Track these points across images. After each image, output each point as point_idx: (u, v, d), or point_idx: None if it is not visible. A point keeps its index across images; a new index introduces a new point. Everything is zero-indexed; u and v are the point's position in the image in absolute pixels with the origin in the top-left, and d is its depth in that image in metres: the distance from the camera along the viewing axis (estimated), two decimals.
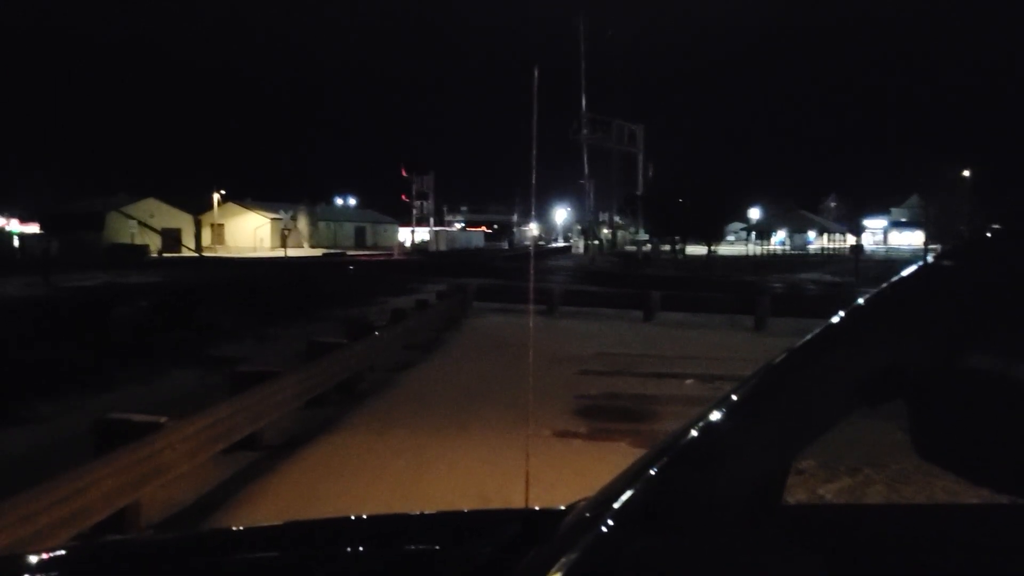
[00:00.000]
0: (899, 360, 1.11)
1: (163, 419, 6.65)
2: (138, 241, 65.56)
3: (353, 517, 1.84)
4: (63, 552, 1.97)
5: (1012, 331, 1.12)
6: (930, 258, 1.21)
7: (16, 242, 64.38)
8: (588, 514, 1.22)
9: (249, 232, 79.63)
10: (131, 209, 70.67)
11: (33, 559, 1.66)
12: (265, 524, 2.15)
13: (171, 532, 6.34)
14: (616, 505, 1.14)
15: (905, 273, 1.18)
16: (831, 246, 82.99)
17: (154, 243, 66.86)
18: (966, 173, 70.18)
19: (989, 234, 1.24)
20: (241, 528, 2.08)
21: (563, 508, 1.38)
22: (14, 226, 73.89)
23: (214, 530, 4.58)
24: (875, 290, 1.19)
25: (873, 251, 76.50)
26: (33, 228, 72.25)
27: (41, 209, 74.26)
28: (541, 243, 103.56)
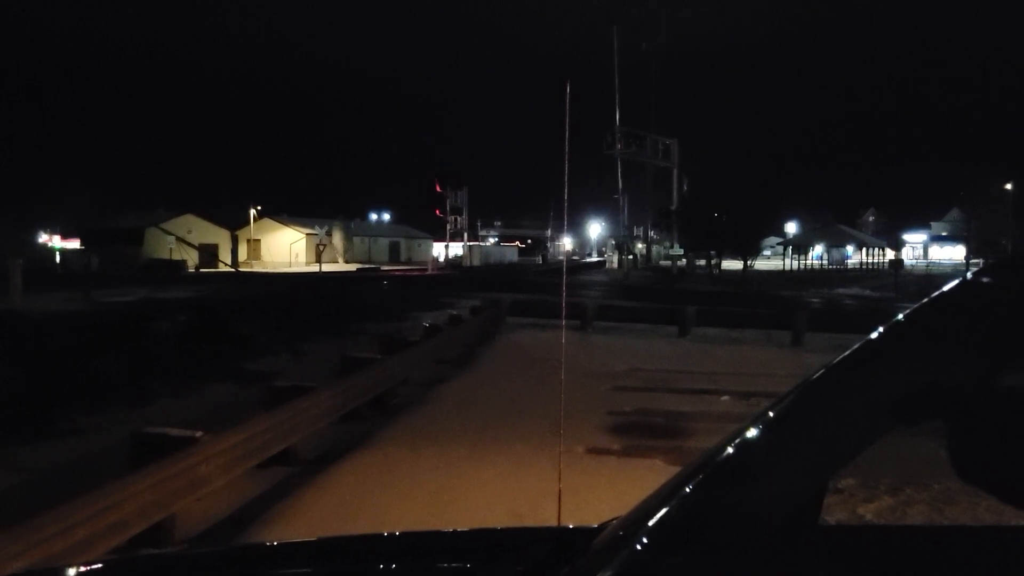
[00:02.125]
0: (939, 378, 1.09)
1: (199, 433, 6.71)
2: (176, 256, 66.68)
3: (386, 534, 1.84)
4: (100, 565, 2.00)
5: None
6: (971, 273, 1.19)
7: (57, 257, 65.81)
8: (622, 532, 1.20)
9: (285, 247, 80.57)
10: (169, 225, 71.92)
11: (71, 572, 1.67)
12: (298, 539, 2.16)
13: (206, 547, 6.40)
14: (651, 523, 1.12)
15: (945, 288, 1.16)
16: (870, 261, 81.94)
17: (192, 258, 67.96)
18: (1008, 186, 68.95)
19: None
20: (275, 543, 2.09)
21: (596, 526, 1.37)
22: (56, 242, 75.61)
23: (248, 545, 4.61)
24: (915, 306, 1.17)
25: (913, 266, 75.37)
26: (74, 244, 73.85)
27: (82, 225, 75.91)
28: (575, 258, 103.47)
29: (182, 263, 65.35)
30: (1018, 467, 1.01)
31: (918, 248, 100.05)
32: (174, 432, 6.84)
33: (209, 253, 71.28)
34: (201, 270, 64.47)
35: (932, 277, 50.49)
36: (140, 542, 5.57)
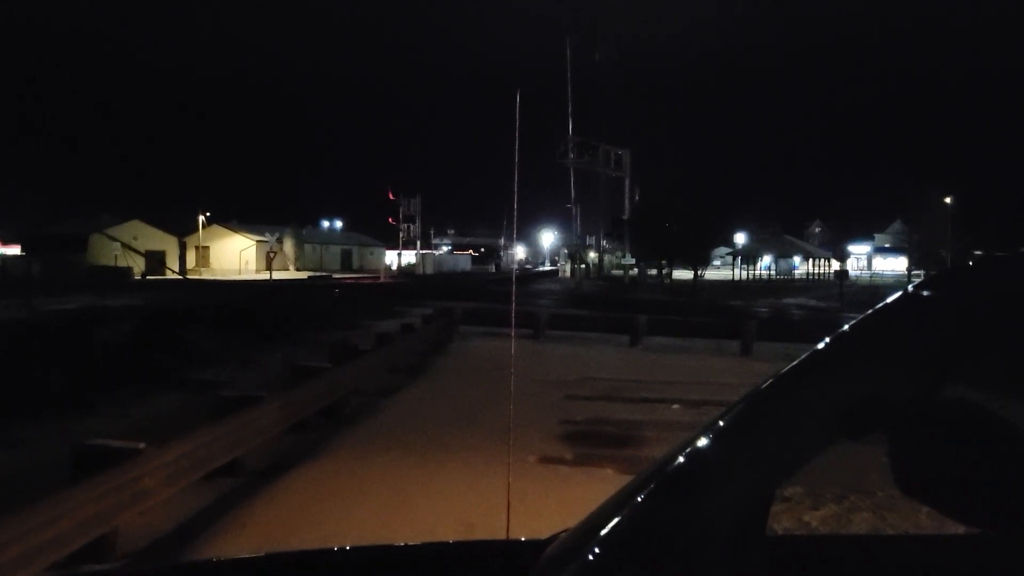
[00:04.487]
0: (882, 389, 1.10)
1: (142, 445, 6.55)
2: (121, 263, 65.17)
3: (336, 548, 1.81)
4: None
5: (993, 360, 1.11)
6: (912, 286, 1.21)
7: None
8: (572, 544, 1.20)
9: (234, 255, 79.36)
10: (115, 231, 70.37)
11: None
12: (245, 555, 2.11)
13: (148, 563, 6.24)
14: (601, 534, 1.12)
15: (888, 301, 1.18)
16: (816, 271, 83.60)
17: (138, 265, 66.48)
18: (948, 200, 70.97)
19: (971, 262, 1.24)
20: (221, 559, 2.04)
21: (546, 538, 1.36)
22: None
23: (193, 561, 4.51)
24: (858, 317, 1.19)
25: (857, 276, 77.08)
26: (14, 250, 71.75)
27: (23, 230, 73.78)
28: (528, 267, 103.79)
29: (128, 270, 63.86)
30: (956, 479, 1.03)
31: (862, 259, 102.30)
32: (116, 444, 6.67)
33: (156, 260, 69.85)
34: (148, 277, 63.05)
35: (875, 288, 51.74)
36: (80, 558, 5.41)
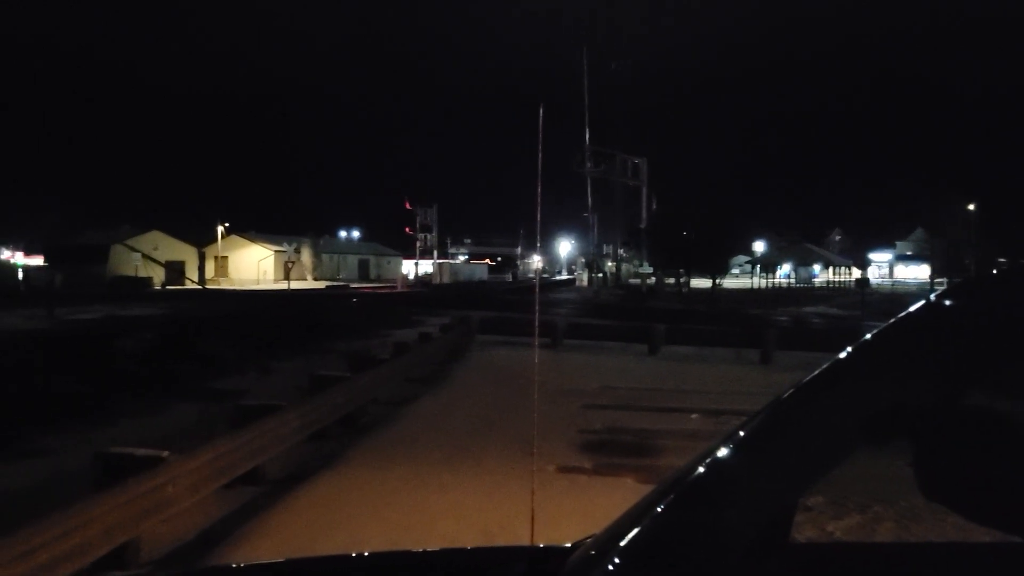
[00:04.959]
0: (904, 398, 1.11)
1: (165, 453, 6.61)
2: (142, 274, 65.82)
3: (355, 554, 1.82)
4: None
5: (1017, 369, 1.11)
6: (935, 295, 1.21)
7: (20, 275, 64.60)
8: (595, 551, 1.21)
9: (253, 264, 79.88)
10: (135, 242, 71.04)
11: None
12: (266, 561, 2.13)
13: (171, 569, 6.29)
14: (623, 543, 1.13)
15: (911, 310, 1.18)
16: (836, 279, 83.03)
17: (158, 275, 67.09)
18: (971, 207, 70.31)
19: (995, 271, 1.24)
20: (242, 565, 2.06)
21: (569, 546, 1.37)
22: (19, 259, 74.31)
23: (215, 567, 4.53)
24: (881, 326, 1.19)
25: (879, 284, 76.40)
26: (37, 260, 72.65)
27: (46, 241, 74.72)
28: (545, 276, 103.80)
29: (148, 280, 64.48)
30: (980, 484, 1.04)
31: (884, 267, 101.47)
32: (140, 452, 6.72)
33: (176, 270, 70.47)
34: (167, 287, 63.63)
35: (897, 296, 51.26)
36: (105, 565, 5.45)
